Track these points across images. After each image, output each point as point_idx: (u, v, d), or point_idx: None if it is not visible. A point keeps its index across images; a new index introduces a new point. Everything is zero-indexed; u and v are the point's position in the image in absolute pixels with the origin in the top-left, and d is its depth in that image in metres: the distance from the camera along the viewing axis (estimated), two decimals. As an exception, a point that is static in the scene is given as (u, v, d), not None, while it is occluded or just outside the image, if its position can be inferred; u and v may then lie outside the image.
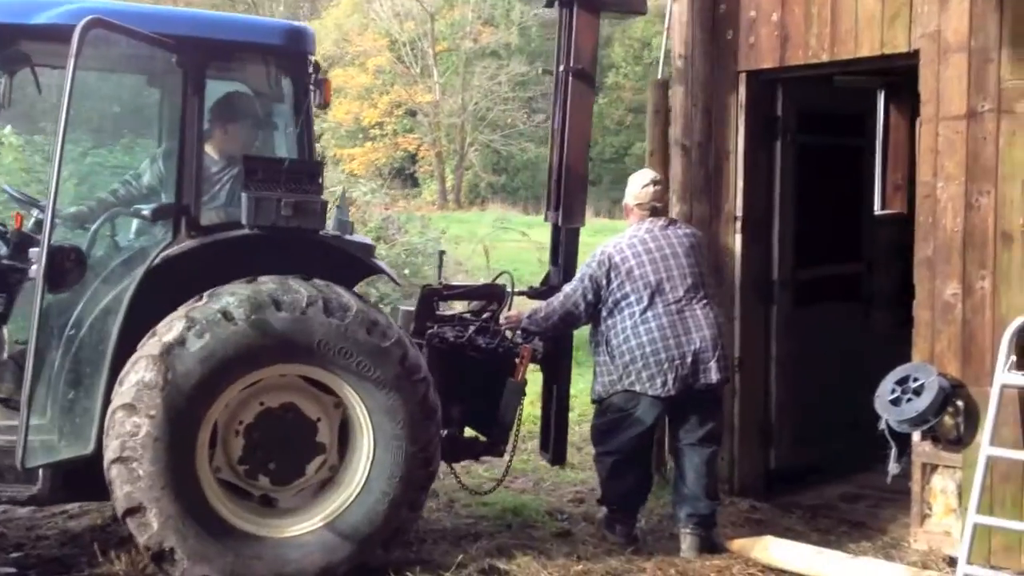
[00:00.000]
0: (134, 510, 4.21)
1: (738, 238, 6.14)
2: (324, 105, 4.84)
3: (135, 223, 4.88)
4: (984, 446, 4.74)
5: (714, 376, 5.13)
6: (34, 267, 4.19)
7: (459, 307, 5.99)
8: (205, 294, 4.31)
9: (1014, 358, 4.77)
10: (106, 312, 4.40)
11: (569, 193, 5.48)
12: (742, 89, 6.11)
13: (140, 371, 4.18)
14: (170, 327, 4.23)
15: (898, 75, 7.43)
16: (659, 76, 6.68)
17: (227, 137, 4.92)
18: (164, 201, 4.67)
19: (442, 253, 5.73)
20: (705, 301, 5.22)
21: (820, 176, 6.48)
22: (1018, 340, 4.79)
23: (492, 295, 5.50)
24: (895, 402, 5.14)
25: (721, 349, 5.17)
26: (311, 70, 4.86)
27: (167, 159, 4.82)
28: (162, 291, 4.33)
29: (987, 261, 5.03)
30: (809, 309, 6.43)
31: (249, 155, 4.74)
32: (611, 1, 5.56)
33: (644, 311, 5.10)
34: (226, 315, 4.24)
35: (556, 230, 5.64)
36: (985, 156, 5.03)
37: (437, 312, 5.42)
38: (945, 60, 5.18)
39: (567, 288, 5.28)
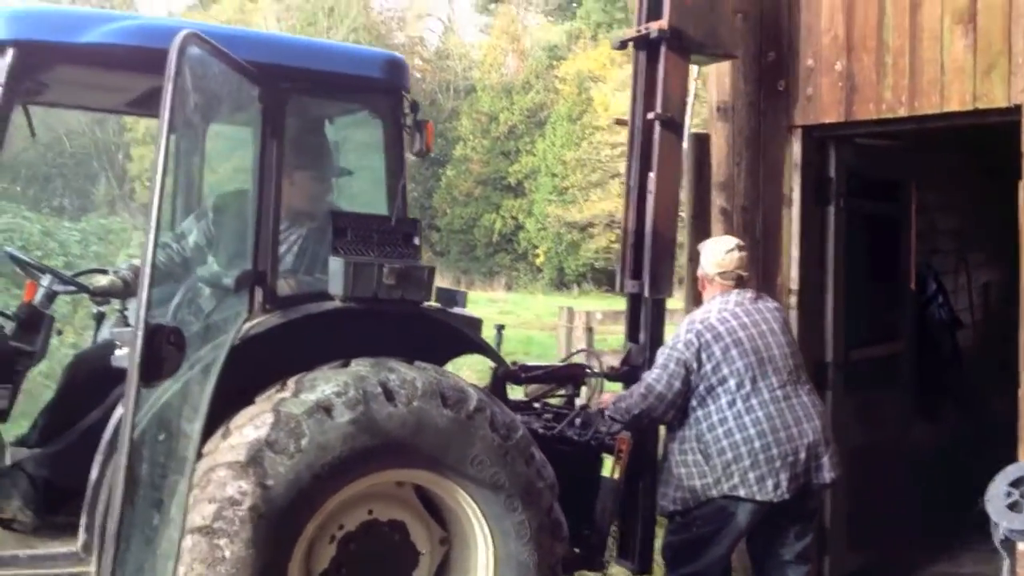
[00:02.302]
0: None
1: (793, 314, 5.37)
2: (424, 152, 3.89)
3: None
4: None
5: (827, 475, 4.32)
6: (120, 352, 3.24)
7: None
8: (363, 362, 3.46)
9: None
10: (178, 406, 3.32)
11: (656, 259, 4.64)
12: (796, 147, 5.42)
13: (263, 427, 3.16)
14: (314, 386, 3.30)
15: (896, 139, 6.96)
16: (687, 129, 5.93)
17: (294, 189, 3.87)
18: (220, 267, 3.76)
19: (501, 328, 4.74)
20: (808, 386, 4.43)
21: (863, 246, 5.84)
22: None
23: (573, 376, 4.61)
24: (1014, 507, 4.43)
25: (833, 443, 4.38)
26: (407, 109, 3.94)
27: (219, 215, 3.83)
28: (238, 376, 3.34)
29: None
30: (858, 395, 5.71)
31: (338, 212, 3.82)
32: (705, 43, 4.83)
33: (748, 397, 4.23)
34: (387, 393, 3.43)
35: (635, 301, 4.78)
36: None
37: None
38: (1055, 116, 4.62)
39: (649, 377, 4.35)
